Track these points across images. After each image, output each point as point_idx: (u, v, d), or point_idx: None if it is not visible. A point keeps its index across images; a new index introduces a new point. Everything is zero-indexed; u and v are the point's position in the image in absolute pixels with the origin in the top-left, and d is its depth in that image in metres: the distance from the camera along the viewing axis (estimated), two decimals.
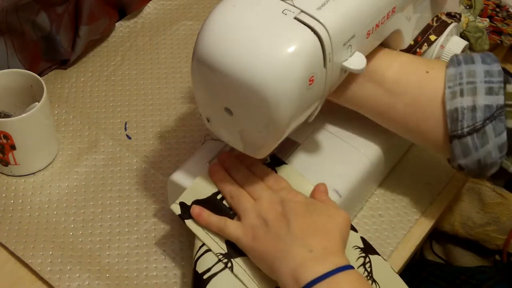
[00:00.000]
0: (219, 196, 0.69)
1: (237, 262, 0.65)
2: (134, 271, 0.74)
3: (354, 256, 0.67)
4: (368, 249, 0.68)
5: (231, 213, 0.68)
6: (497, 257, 1.19)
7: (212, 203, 0.68)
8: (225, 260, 0.65)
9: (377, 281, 0.66)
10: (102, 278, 0.72)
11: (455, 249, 1.21)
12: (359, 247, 0.68)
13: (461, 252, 1.21)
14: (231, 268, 0.65)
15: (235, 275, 0.65)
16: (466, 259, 1.20)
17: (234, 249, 0.66)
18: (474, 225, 1.15)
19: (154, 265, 0.74)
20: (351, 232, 0.69)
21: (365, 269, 0.67)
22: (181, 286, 0.72)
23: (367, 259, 0.67)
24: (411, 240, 0.78)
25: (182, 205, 0.68)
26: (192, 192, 0.69)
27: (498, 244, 1.15)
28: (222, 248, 0.66)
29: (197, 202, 0.68)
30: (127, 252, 0.75)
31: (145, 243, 0.76)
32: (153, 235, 0.77)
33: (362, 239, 0.69)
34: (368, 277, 0.66)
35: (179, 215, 0.68)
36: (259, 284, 0.64)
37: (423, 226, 0.80)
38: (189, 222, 0.68)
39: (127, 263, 0.74)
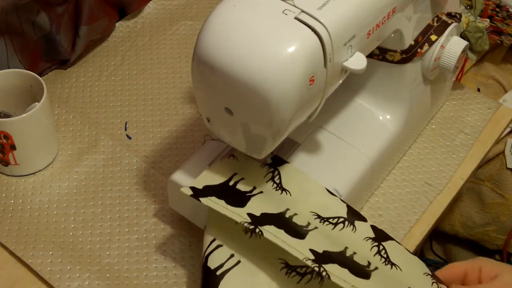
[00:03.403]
0: (231, 183, 0.68)
1: (266, 229, 0.63)
2: (134, 271, 0.74)
3: (367, 247, 0.67)
4: (379, 237, 0.68)
5: (247, 195, 0.67)
6: (497, 257, 1.19)
7: (224, 189, 0.67)
8: (252, 227, 0.63)
9: (396, 264, 0.66)
10: (102, 278, 0.72)
11: (455, 249, 1.21)
12: (370, 238, 0.68)
13: (461, 252, 1.21)
14: (260, 233, 0.63)
15: (267, 239, 0.62)
16: (466, 259, 1.20)
17: (258, 221, 0.64)
18: (474, 225, 1.15)
19: (154, 265, 0.74)
20: (361, 223, 0.68)
21: (381, 256, 0.66)
22: (181, 286, 0.72)
23: (381, 247, 0.67)
24: (411, 240, 0.78)
25: (193, 188, 0.67)
26: (203, 179, 0.68)
27: (498, 244, 1.15)
28: (246, 219, 0.64)
29: (208, 187, 0.67)
30: (127, 252, 0.75)
31: (145, 243, 0.76)
32: (153, 235, 0.77)
33: (373, 227, 0.69)
34: (387, 262, 0.66)
35: (191, 195, 0.66)
36: (294, 247, 0.62)
37: (423, 226, 0.80)
38: (204, 200, 0.65)
39: (127, 263, 0.74)
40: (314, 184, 0.71)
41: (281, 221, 0.66)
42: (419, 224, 0.80)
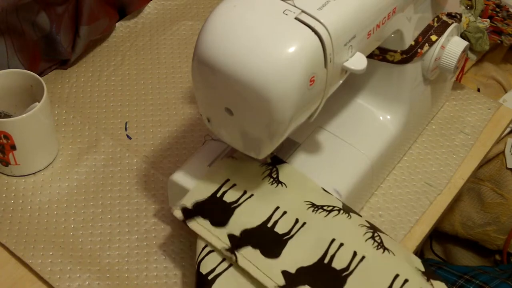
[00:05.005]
0: (218, 194, 0.69)
1: (242, 254, 0.65)
2: (134, 271, 0.74)
3: (360, 232, 0.67)
4: (375, 228, 0.69)
5: (232, 207, 0.67)
6: (497, 257, 1.19)
7: (212, 202, 0.68)
8: (230, 254, 0.65)
9: (389, 249, 0.66)
10: (102, 278, 0.72)
11: (455, 249, 1.21)
12: (365, 225, 0.68)
13: (461, 252, 1.21)
14: (236, 260, 0.64)
15: (241, 267, 0.64)
16: (466, 259, 1.21)
17: (236, 243, 0.65)
18: (474, 225, 1.15)
19: (154, 265, 0.74)
20: (355, 216, 0.69)
21: (374, 240, 0.66)
22: (181, 286, 0.72)
23: (376, 234, 0.67)
24: (411, 240, 0.78)
25: (184, 209, 0.68)
26: (192, 195, 0.69)
27: (498, 244, 1.16)
28: (225, 243, 0.66)
29: (197, 204, 0.68)
30: (127, 252, 0.75)
31: (145, 243, 0.76)
32: (153, 235, 0.77)
33: (368, 222, 0.69)
34: (379, 246, 0.66)
35: (182, 220, 0.68)
36: (265, 273, 0.64)
37: (423, 226, 0.80)
38: (192, 224, 0.67)
39: (127, 263, 0.74)
40: (313, 183, 0.71)
41: (261, 234, 0.66)
42: (419, 224, 0.80)
